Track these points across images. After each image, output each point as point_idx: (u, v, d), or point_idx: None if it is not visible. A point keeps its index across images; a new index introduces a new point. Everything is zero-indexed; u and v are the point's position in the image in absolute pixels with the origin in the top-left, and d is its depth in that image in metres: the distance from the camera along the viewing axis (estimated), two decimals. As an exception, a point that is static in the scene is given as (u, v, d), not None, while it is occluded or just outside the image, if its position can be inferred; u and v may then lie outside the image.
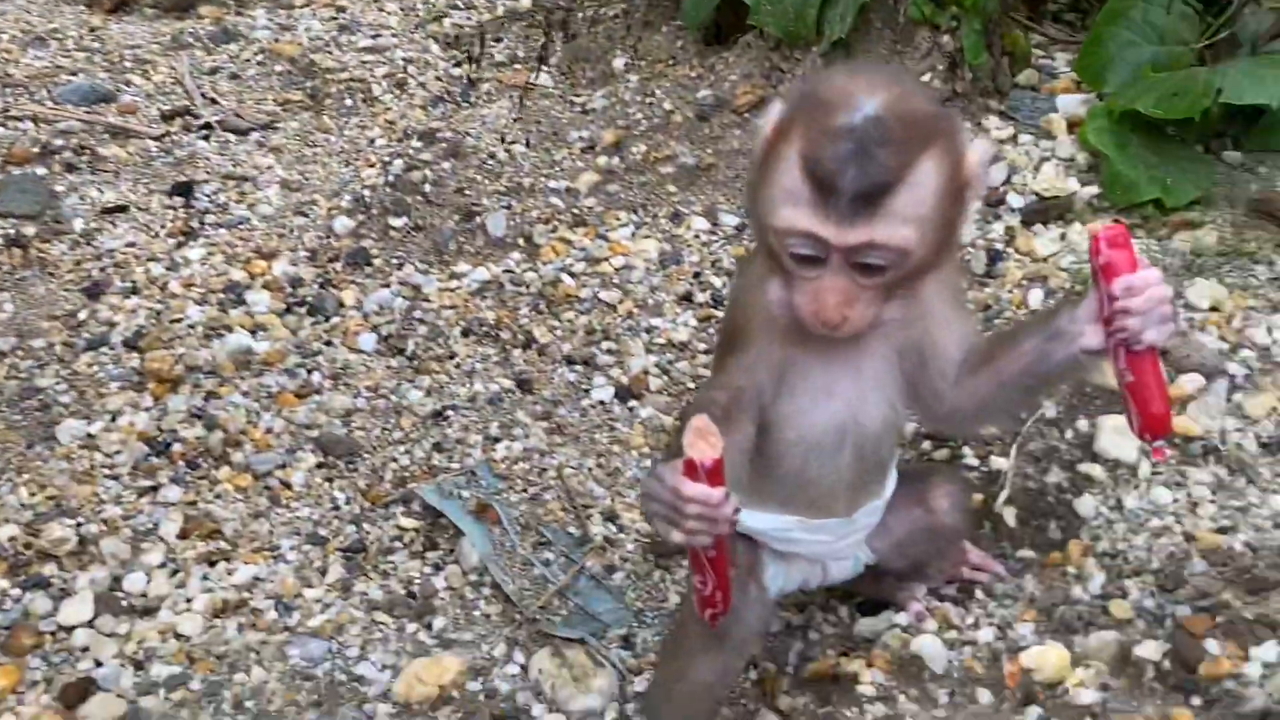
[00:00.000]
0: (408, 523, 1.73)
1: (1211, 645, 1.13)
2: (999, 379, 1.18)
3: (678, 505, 0.99)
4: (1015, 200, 2.11)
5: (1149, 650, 1.16)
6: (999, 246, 2.03)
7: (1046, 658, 1.19)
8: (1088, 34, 2.24)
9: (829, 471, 1.23)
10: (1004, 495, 1.47)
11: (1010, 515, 1.46)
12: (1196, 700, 1.10)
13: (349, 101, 2.99)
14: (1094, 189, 2.07)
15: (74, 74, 2.97)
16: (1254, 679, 1.07)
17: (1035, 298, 1.86)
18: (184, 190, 2.56)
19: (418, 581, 1.63)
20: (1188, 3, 2.12)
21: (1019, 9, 2.39)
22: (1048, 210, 2.06)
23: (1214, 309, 1.66)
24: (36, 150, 2.61)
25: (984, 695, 1.21)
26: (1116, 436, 1.42)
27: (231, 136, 2.86)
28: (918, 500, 1.34)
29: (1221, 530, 1.31)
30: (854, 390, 1.19)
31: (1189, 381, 1.50)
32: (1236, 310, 1.66)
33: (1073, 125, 2.21)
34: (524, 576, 1.62)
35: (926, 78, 2.34)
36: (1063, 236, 2.01)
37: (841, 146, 1.00)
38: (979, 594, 1.37)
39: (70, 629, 1.55)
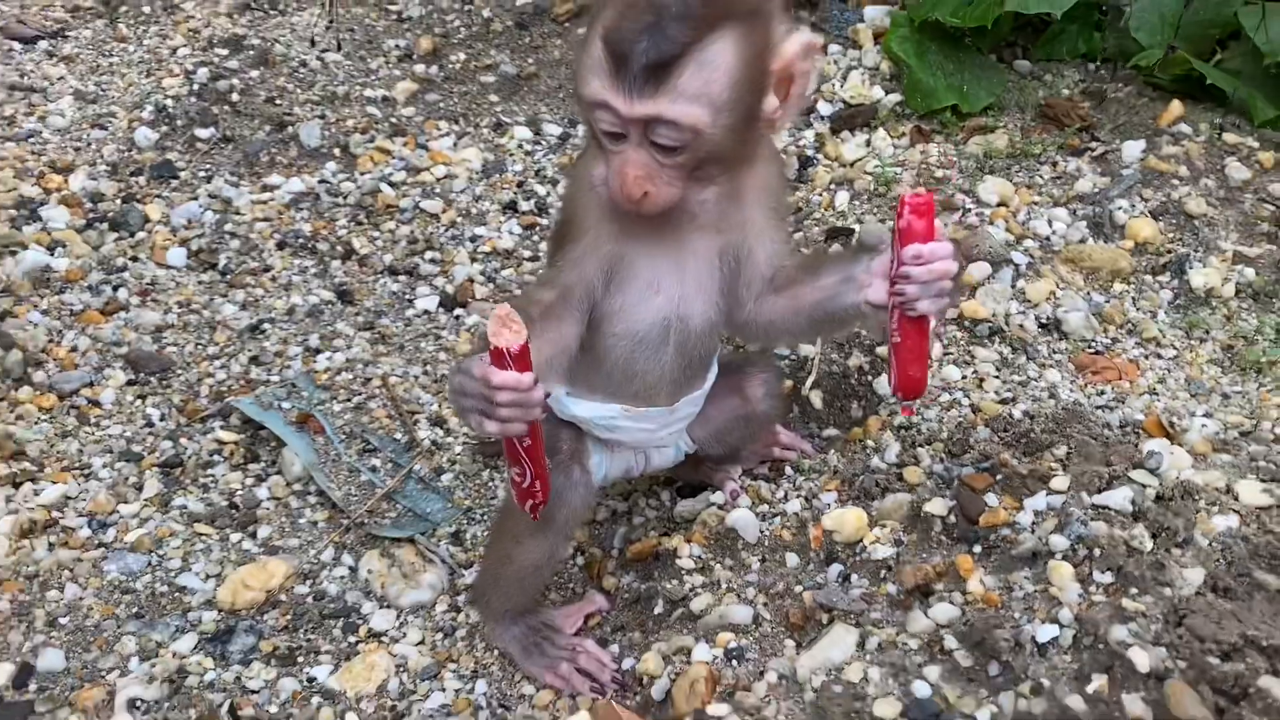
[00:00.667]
0: (227, 436, 1.69)
1: (990, 499, 1.24)
2: (794, 305, 1.23)
3: (488, 395, 0.99)
4: (824, 108, 2.18)
5: (936, 507, 1.25)
6: (809, 153, 2.11)
7: (845, 519, 1.27)
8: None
9: (653, 365, 1.26)
10: (810, 380, 1.55)
11: (817, 398, 1.55)
12: (978, 548, 1.20)
13: (147, 9, 2.82)
14: (897, 96, 2.17)
15: None
16: (1025, 525, 1.18)
17: (842, 199, 1.94)
18: (-37, 102, 2.39)
19: (240, 493, 1.60)
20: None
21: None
22: (854, 117, 2.15)
23: (1002, 204, 1.78)
24: None
25: (792, 559, 1.29)
26: (913, 321, 1.51)
27: (17, 45, 2.67)
28: (734, 389, 1.39)
29: (1003, 402, 1.42)
30: (678, 288, 1.22)
31: (977, 269, 1.61)
32: (1021, 205, 1.78)
33: (878, 36, 2.29)
34: (350, 483, 1.62)
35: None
36: (868, 143, 2.10)
37: (639, 19, 1.02)
38: (788, 471, 1.44)
39: None
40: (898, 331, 1.09)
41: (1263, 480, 1.21)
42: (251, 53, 2.54)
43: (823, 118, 2.17)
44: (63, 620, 1.39)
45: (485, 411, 1.01)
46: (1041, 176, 1.92)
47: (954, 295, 1.09)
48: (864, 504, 1.31)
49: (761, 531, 1.33)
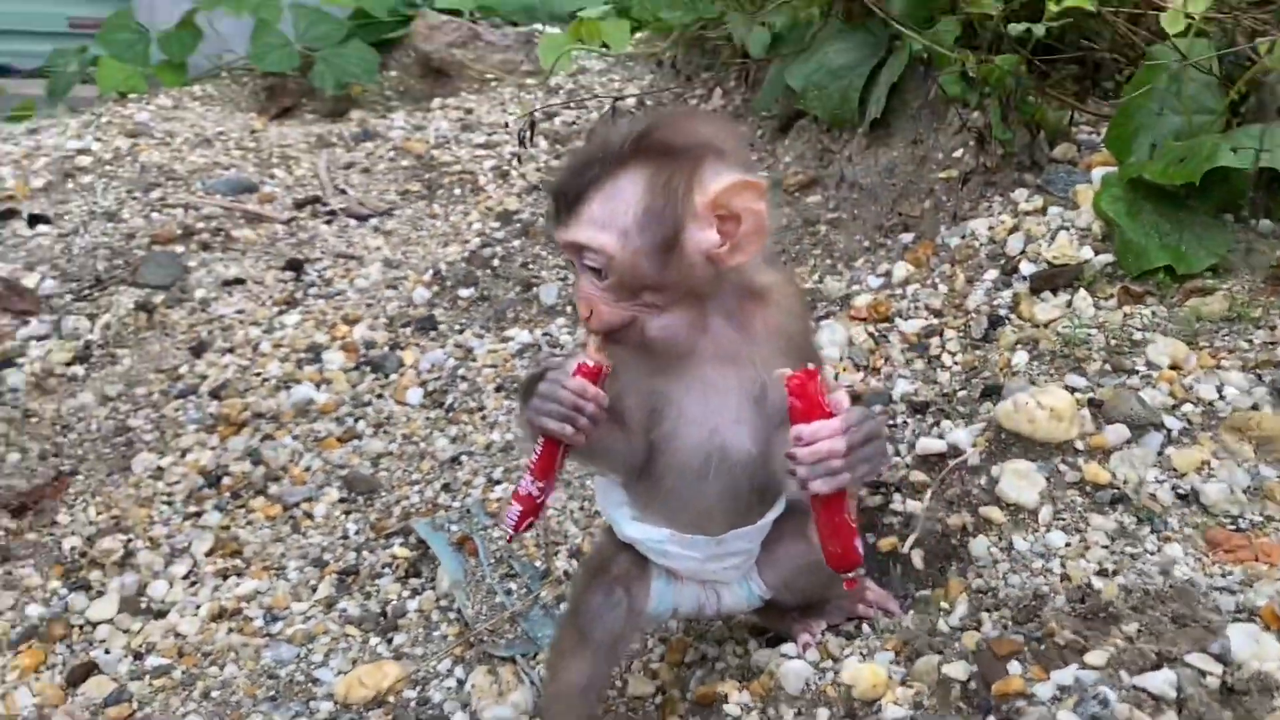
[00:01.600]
0: (401, 552, 1.88)
1: (1014, 666, 1.11)
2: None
3: (565, 395, 1.17)
4: (1027, 268, 2.10)
5: (957, 670, 1.14)
6: (1002, 313, 2.03)
7: (861, 675, 1.19)
8: (1119, 109, 2.23)
9: (699, 494, 1.30)
10: (912, 538, 1.48)
11: (918, 558, 1.47)
12: (992, 717, 1.08)
13: (458, 191, 3.28)
14: (1109, 257, 2.05)
15: (228, 169, 3.40)
16: (1044, 699, 1.05)
17: (1019, 359, 1.85)
18: (296, 266, 2.89)
19: (393, 603, 1.77)
20: (1213, 72, 2.08)
21: (1062, 85, 2.40)
22: (1056, 277, 2.05)
23: (1174, 367, 1.63)
24: (179, 232, 3.01)
25: (823, 713, 1.22)
26: (1017, 480, 1.41)
27: (352, 222, 3.20)
28: (801, 534, 1.37)
29: (1102, 573, 1.28)
30: (713, 420, 1.27)
31: (1113, 434, 1.47)
32: (1198, 368, 1.61)
33: (1095, 198, 2.19)
34: (486, 603, 1.74)
35: (959, 153, 2.39)
36: (1068, 304, 1.99)
37: (574, 165, 1.19)
38: (866, 628, 1.38)
39: (95, 624, 1.78)
40: (812, 506, 1.11)
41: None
42: (518, 225, 2.88)
43: (1024, 278, 2.09)
44: (214, 694, 1.61)
45: (556, 411, 1.18)
46: (1251, 341, 1.73)
47: (858, 468, 1.08)
48: (907, 665, 1.22)
49: (807, 684, 1.28)
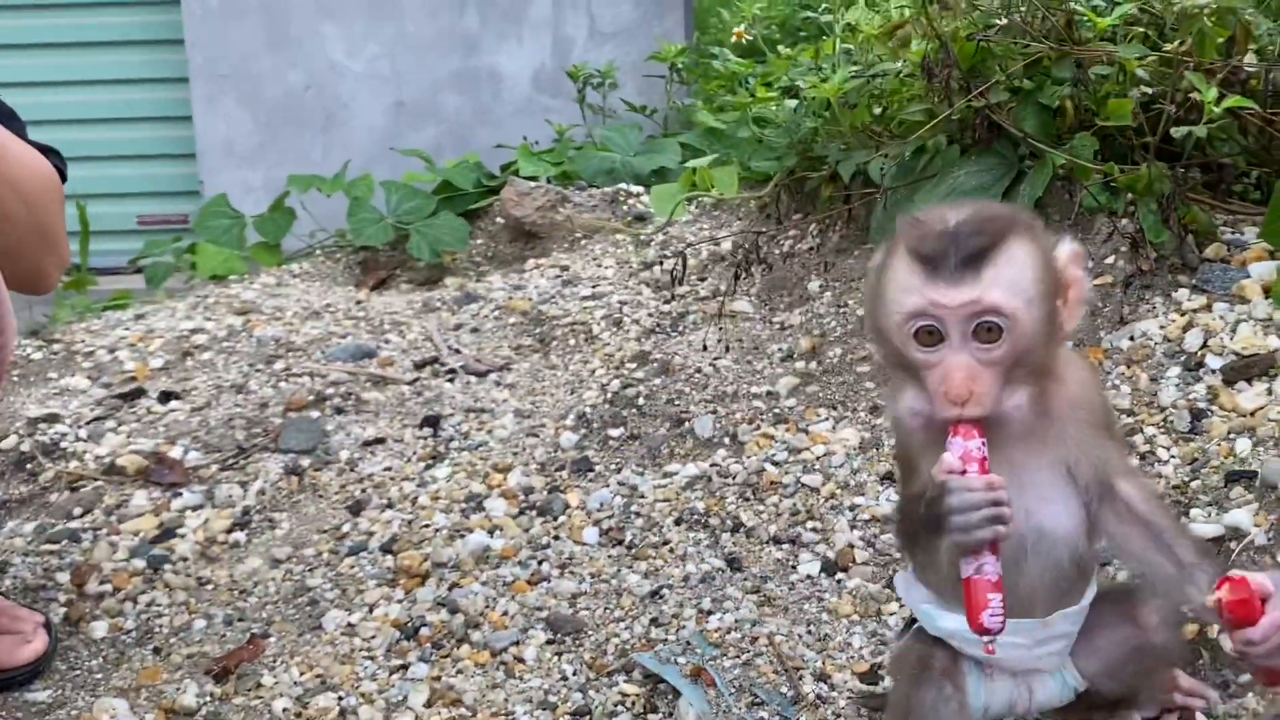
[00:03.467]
0: (630, 689, 1.82)
1: None
2: (1126, 545, 1.31)
3: (989, 497, 1.17)
4: (1214, 361, 2.12)
5: None
6: (1201, 405, 2.03)
7: None
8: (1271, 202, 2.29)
9: (1019, 576, 1.28)
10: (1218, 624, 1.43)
11: (1228, 642, 1.42)
12: None
13: (572, 342, 3.32)
14: (1296, 345, 2.07)
15: (343, 337, 3.46)
16: None
17: (1243, 446, 1.84)
18: (432, 422, 2.90)
19: (639, 739, 1.71)
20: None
21: (1198, 190, 2.47)
22: (1250, 367, 2.06)
23: None
24: (311, 398, 3.03)
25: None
26: (1327, 551, 1.39)
27: (473, 379, 3.23)
28: (1126, 616, 1.34)
29: None
30: (1020, 502, 1.26)
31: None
32: None
33: (1267, 290, 2.22)
34: (738, 732, 1.68)
35: (1110, 260, 2.44)
36: (1269, 391, 2.00)
37: (942, 234, 1.19)
38: (1199, 717, 1.33)
39: (328, 782, 1.71)
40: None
41: None
42: (655, 365, 2.90)
43: (1213, 371, 2.10)
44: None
45: (992, 517, 1.18)
46: None
47: None
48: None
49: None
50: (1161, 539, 1.26)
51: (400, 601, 2.16)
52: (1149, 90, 2.30)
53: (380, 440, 2.83)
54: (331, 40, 5.46)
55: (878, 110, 2.82)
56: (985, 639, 1.20)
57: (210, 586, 2.28)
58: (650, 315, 3.35)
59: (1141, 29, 2.40)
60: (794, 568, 2.06)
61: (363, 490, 2.61)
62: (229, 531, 2.47)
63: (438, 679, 1.94)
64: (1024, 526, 1.26)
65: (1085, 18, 2.32)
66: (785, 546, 2.12)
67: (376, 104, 5.50)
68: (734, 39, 3.12)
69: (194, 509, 2.56)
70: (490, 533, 2.35)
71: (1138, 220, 2.33)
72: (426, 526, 2.40)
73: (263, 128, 5.50)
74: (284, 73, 5.47)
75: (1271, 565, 1.43)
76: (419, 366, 3.28)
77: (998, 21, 2.39)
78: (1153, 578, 1.29)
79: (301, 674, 1.98)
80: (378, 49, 5.47)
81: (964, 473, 1.19)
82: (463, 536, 2.33)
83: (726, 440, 2.53)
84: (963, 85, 2.46)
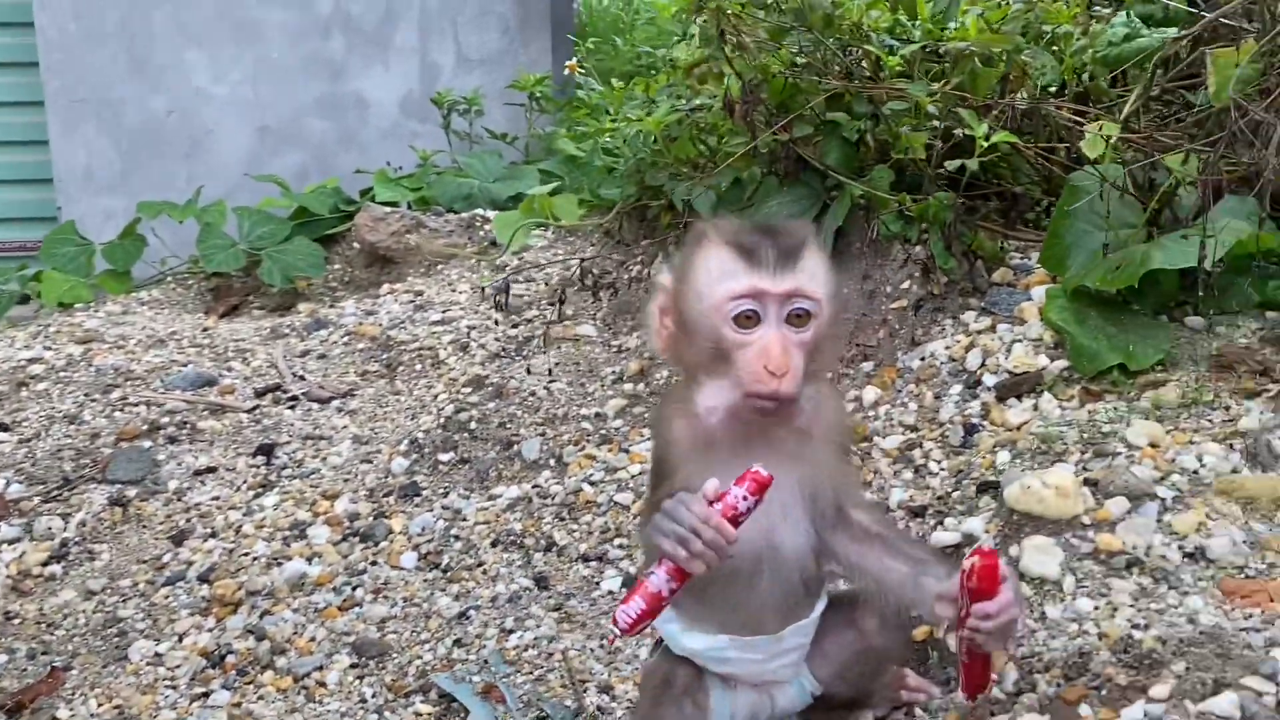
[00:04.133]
0: (425, 708, 1.86)
1: (1084, 709, 1.17)
2: (860, 562, 1.38)
3: (698, 529, 1.19)
4: (990, 380, 2.25)
5: None
6: (975, 420, 2.16)
7: None
8: (1049, 228, 2.44)
9: (752, 595, 1.35)
10: (945, 624, 1.54)
11: (953, 642, 1.52)
12: None
13: (419, 367, 3.35)
14: (1064, 362, 2.21)
15: (185, 365, 3.43)
16: None
17: (1002, 458, 1.96)
18: (266, 451, 2.90)
19: (426, 757, 1.75)
20: (1130, 190, 2.32)
21: (989, 218, 2.62)
22: (1020, 385, 2.20)
23: (1152, 445, 1.75)
24: (145, 428, 3.00)
25: (897, 791, 1.26)
26: (1037, 555, 1.50)
27: (315, 406, 3.23)
28: (849, 623, 1.43)
29: (1136, 627, 1.36)
30: (764, 518, 1.33)
31: (1115, 505, 1.58)
32: (1174, 444, 1.74)
33: (1043, 311, 2.37)
34: (522, 746, 1.73)
35: (905, 284, 2.57)
36: (1035, 407, 2.13)
37: (757, 229, 1.31)
38: (918, 711, 1.42)
39: (114, 813, 1.71)
40: (965, 654, 1.27)
41: None
42: (490, 389, 2.95)
43: (989, 389, 2.23)
44: None
45: (685, 542, 1.21)
46: (1210, 420, 1.87)
47: (1018, 632, 1.27)
48: (974, 732, 1.27)
49: (874, 767, 1.31)
50: (896, 548, 1.35)
51: (211, 630, 2.16)
52: (939, 125, 2.44)
53: (212, 469, 2.82)
54: (195, 66, 5.41)
55: (705, 143, 2.92)
56: (611, 628, 1.26)
57: (17, 620, 2.25)
58: (497, 340, 3.40)
59: (937, 65, 2.54)
60: (598, 584, 2.12)
61: (188, 520, 2.60)
62: (45, 564, 2.44)
63: (238, 705, 1.95)
64: (762, 544, 1.33)
65: (878, 56, 2.45)
66: (593, 564, 2.18)
67: (241, 130, 5.45)
68: (566, 71, 3.19)
69: (10, 542, 2.52)
70: (309, 560, 2.36)
71: (929, 247, 2.47)
72: (246, 555, 2.40)
73: (124, 154, 5.41)
74: (146, 99, 5.40)
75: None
76: (260, 394, 3.27)
77: (798, 62, 2.51)
78: (889, 584, 1.35)
79: (100, 705, 1.98)
80: (241, 75, 5.43)
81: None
82: (280, 565, 2.34)
83: (551, 462, 2.59)
84: (769, 120, 2.57)
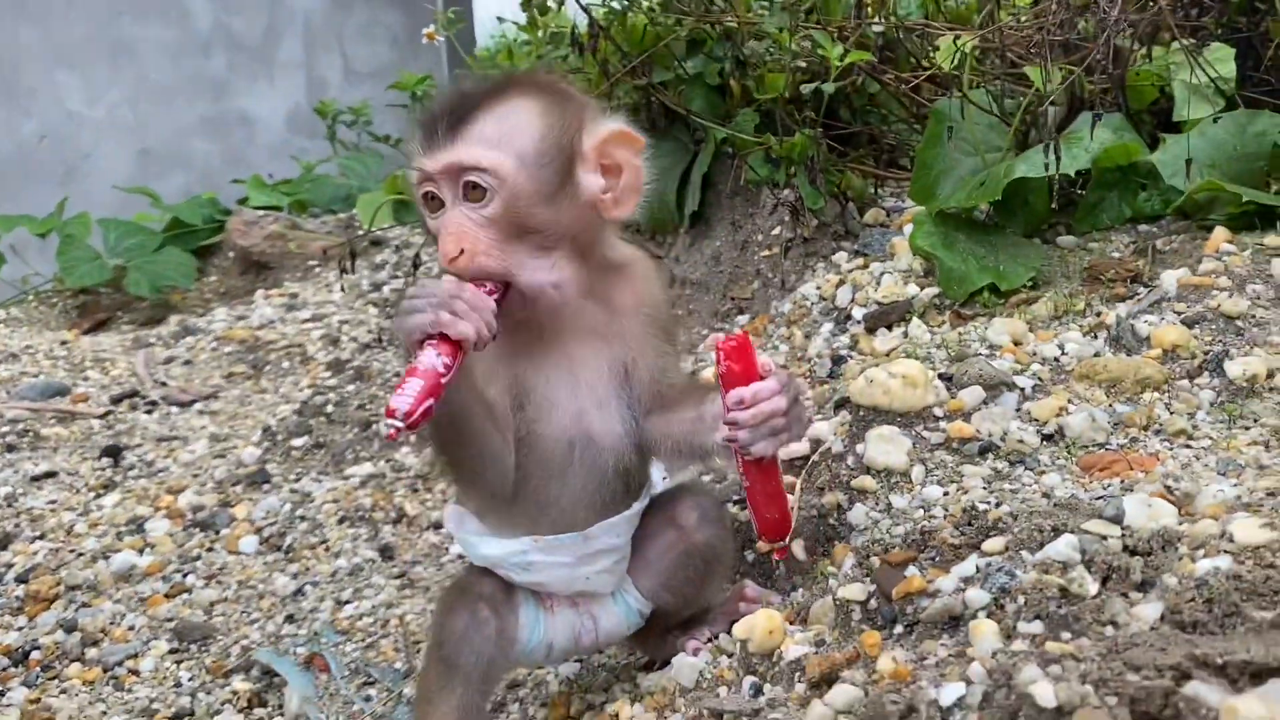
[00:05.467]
0: (242, 686, 1.67)
1: (911, 570, 1.03)
2: (665, 430, 1.22)
3: (453, 293, 1.02)
4: (858, 313, 2.13)
5: (854, 591, 1.05)
6: (843, 353, 2.03)
7: (755, 626, 1.08)
8: (916, 162, 2.35)
9: (564, 489, 1.19)
10: (789, 533, 1.39)
11: (799, 549, 1.38)
12: (898, 628, 0.98)
13: (286, 364, 3.16)
14: (934, 290, 2.09)
15: (35, 377, 3.20)
16: (948, 590, 0.96)
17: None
18: (113, 453, 2.68)
19: (236, 735, 1.55)
20: (994, 113, 2.22)
21: (862, 161, 2.52)
22: (888, 314, 2.07)
23: (1015, 342, 1.64)
24: (-20, 436, 2.77)
25: (723, 691, 1.10)
26: (883, 444, 1.36)
27: (174, 409, 3.03)
28: (668, 520, 1.28)
29: (985, 504, 1.22)
30: (574, 402, 1.19)
31: (968, 395, 1.45)
32: (1037, 341, 1.63)
33: (911, 239, 2.26)
34: (344, 714, 1.54)
35: (776, 230, 2.46)
36: (905, 334, 2.01)
37: (437, 103, 1.13)
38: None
39: None
40: (744, 475, 1.09)
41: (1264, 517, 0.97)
42: (351, 372, 2.77)
43: (857, 321, 2.11)
44: None
45: (439, 308, 1.02)
46: (1079, 326, 1.77)
47: (795, 428, 1.07)
48: (803, 623, 1.12)
49: (701, 675, 1.15)
50: (688, 401, 1.20)
51: (20, 629, 1.94)
52: (803, 65, 2.34)
53: (52, 474, 2.60)
54: (68, 88, 5.19)
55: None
56: (388, 421, 1.02)
57: None
58: (370, 332, 3.23)
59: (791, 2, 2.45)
60: (446, 549, 1.94)
61: (16, 524, 2.37)
62: None
63: (36, 701, 1.73)
64: (573, 431, 1.18)
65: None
66: (442, 532, 2.01)
67: (120, 153, 5.24)
68: (425, 40, 3.06)
69: None
70: (140, 551, 2.16)
71: (797, 189, 2.35)
72: (72, 552, 2.19)
73: (-7, 181, 5.17)
74: (16, 123, 5.16)
75: (845, 470, 1.40)
76: (116, 401, 3.05)
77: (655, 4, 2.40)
78: (681, 435, 1.19)
79: (-120, 713, 1.75)
80: (119, 96, 5.23)
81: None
82: (107, 558, 2.13)
83: (412, 438, 2.41)
84: (634, 72, 2.45)
